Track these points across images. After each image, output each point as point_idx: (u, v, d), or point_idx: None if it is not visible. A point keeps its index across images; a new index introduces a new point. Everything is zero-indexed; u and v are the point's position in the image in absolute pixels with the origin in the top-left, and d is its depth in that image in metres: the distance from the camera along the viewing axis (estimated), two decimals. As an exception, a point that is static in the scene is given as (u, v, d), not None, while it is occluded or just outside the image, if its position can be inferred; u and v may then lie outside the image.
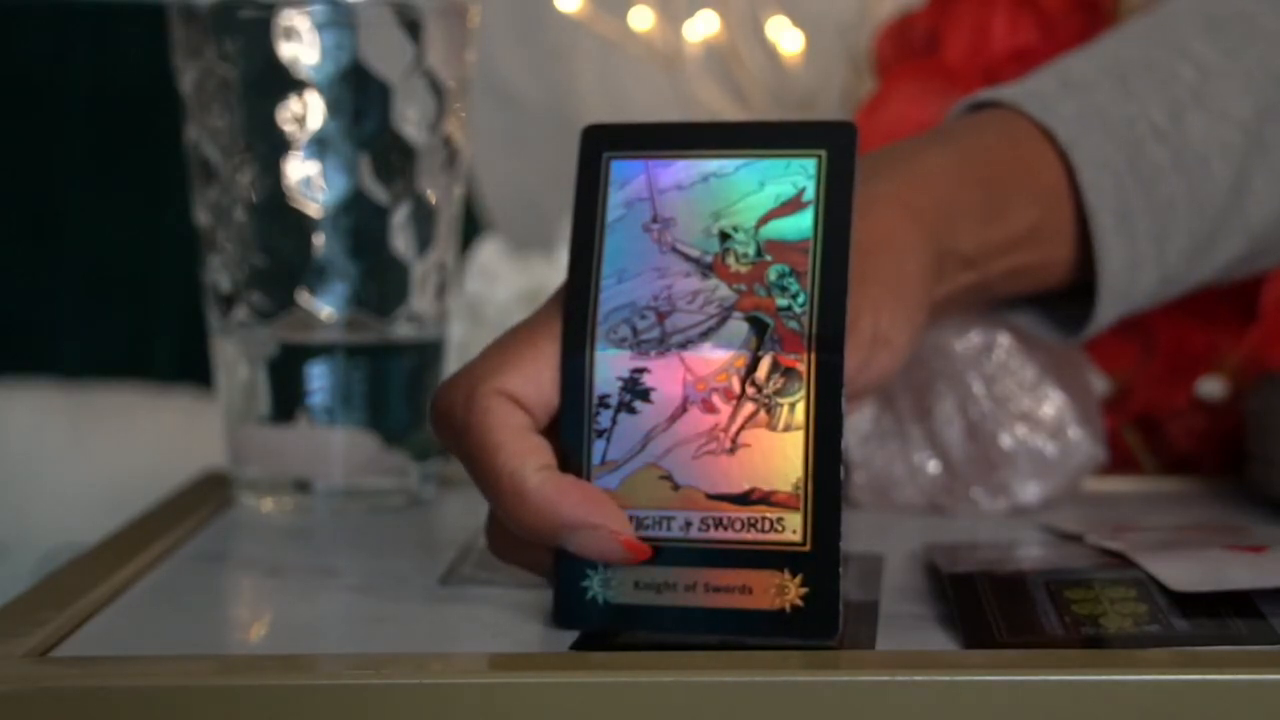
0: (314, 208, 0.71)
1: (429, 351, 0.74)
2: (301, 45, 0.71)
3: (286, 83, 0.71)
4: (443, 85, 0.72)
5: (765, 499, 0.53)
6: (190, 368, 1.15)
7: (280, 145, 0.71)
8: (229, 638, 0.57)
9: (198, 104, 0.72)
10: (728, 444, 0.53)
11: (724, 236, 0.54)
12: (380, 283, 0.72)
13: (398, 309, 0.73)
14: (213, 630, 0.57)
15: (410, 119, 0.72)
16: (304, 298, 0.72)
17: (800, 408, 0.53)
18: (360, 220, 0.72)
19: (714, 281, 0.54)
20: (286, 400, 0.73)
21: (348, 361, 0.72)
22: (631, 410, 0.54)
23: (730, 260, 0.54)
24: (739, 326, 0.54)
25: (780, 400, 0.53)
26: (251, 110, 0.71)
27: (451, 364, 0.79)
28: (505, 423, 0.53)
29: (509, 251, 0.99)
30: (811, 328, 0.53)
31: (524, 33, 1.17)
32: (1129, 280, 0.66)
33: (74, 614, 0.55)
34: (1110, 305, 0.66)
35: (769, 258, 0.54)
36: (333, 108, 0.71)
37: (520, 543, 0.55)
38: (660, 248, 0.55)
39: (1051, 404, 0.71)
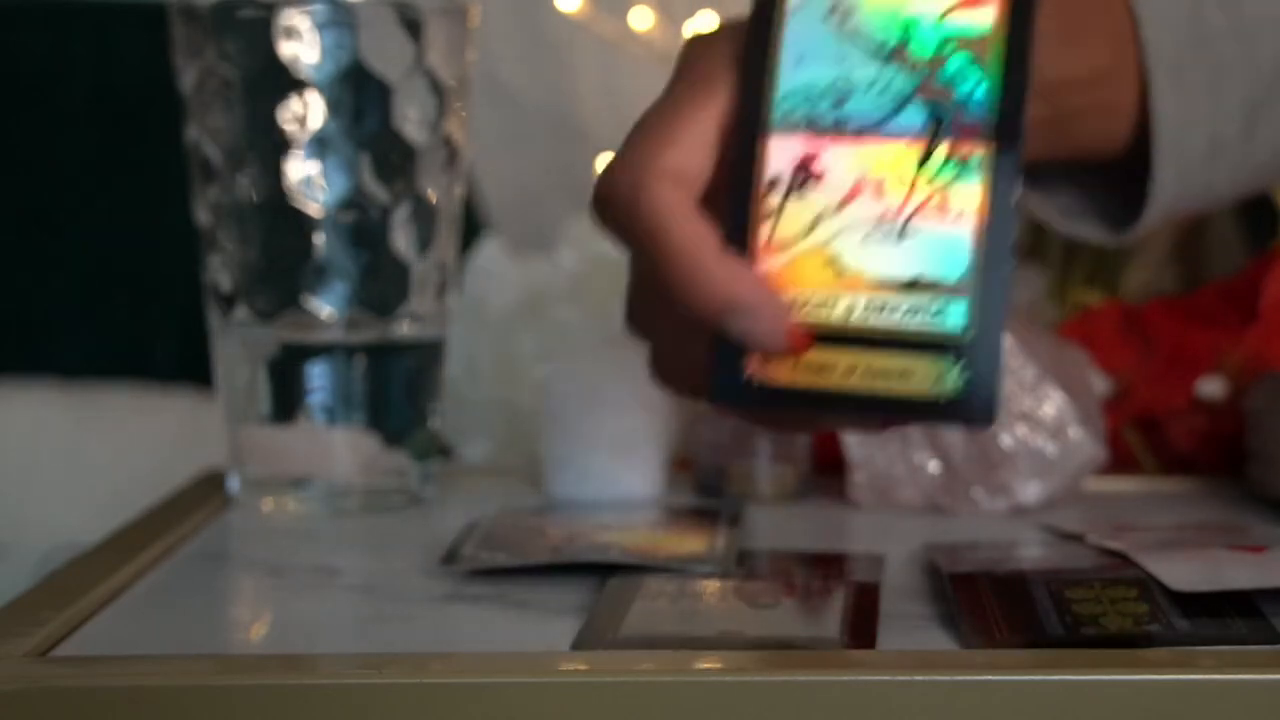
0: (314, 207, 0.71)
1: (429, 351, 0.74)
2: (302, 45, 0.70)
3: (287, 82, 0.71)
4: (443, 85, 0.72)
5: (931, 286, 0.52)
6: (190, 368, 1.15)
7: (280, 145, 0.71)
8: (229, 638, 0.57)
9: (198, 104, 0.72)
10: (897, 231, 0.53)
11: (906, 26, 0.54)
12: (381, 282, 0.72)
13: (398, 309, 0.73)
14: (213, 630, 0.57)
15: (410, 119, 0.72)
16: (304, 298, 0.72)
17: (973, 197, 0.52)
18: (360, 220, 0.72)
19: (893, 70, 0.54)
20: (287, 400, 0.73)
21: (348, 361, 0.72)
22: (801, 193, 0.53)
23: (911, 49, 0.54)
24: (916, 114, 0.53)
25: (953, 189, 0.52)
26: (251, 110, 0.71)
27: (452, 364, 0.79)
28: (676, 204, 0.53)
29: (509, 251, 0.99)
30: (990, 118, 0.53)
31: (524, 33, 1.17)
32: (1181, 137, 0.66)
33: (74, 614, 0.55)
34: (1167, 168, 0.66)
35: (950, 48, 0.54)
36: (333, 107, 0.71)
37: (656, 320, 0.55)
38: (841, 35, 0.54)
39: (1051, 404, 0.71)
